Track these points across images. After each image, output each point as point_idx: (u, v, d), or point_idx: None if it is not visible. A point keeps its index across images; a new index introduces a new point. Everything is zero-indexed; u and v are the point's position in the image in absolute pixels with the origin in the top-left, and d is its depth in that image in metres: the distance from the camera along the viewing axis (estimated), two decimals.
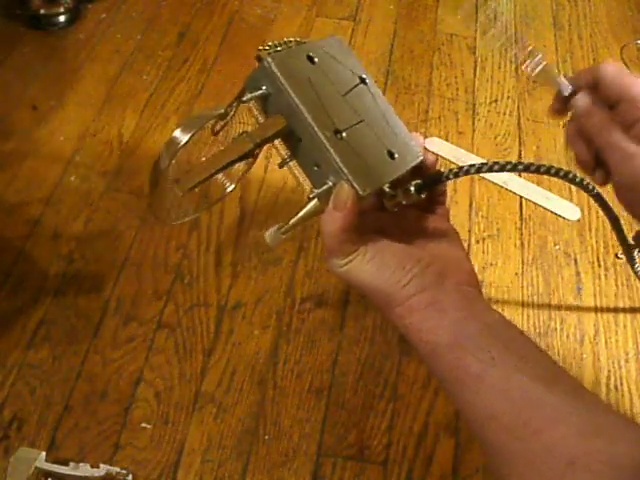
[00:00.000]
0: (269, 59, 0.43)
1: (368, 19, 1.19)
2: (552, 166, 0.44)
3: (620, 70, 0.52)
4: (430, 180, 0.47)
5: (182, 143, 0.48)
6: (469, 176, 0.92)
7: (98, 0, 1.18)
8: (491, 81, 1.08)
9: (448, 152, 0.96)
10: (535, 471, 0.39)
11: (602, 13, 1.24)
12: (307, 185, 0.48)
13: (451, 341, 0.43)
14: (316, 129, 0.43)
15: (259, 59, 0.44)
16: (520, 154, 0.96)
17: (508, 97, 1.06)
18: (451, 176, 0.45)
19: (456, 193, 0.91)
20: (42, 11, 1.11)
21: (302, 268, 0.82)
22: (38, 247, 0.82)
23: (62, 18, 1.13)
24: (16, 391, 0.68)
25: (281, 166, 0.48)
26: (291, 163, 0.48)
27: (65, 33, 1.12)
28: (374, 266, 0.45)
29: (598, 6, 1.26)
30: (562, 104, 0.56)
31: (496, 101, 1.05)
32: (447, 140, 0.98)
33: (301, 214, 0.48)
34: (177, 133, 0.52)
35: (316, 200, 0.46)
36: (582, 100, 0.55)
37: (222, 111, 0.50)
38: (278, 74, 0.43)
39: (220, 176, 0.57)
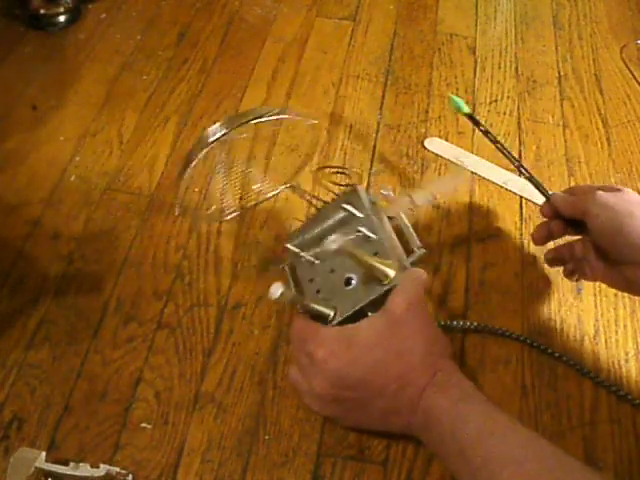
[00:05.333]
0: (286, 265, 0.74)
1: (368, 19, 1.19)
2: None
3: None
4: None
5: (213, 138, 0.47)
6: (469, 176, 0.92)
7: (98, 0, 1.18)
8: (491, 81, 1.08)
9: (448, 152, 0.96)
10: None
11: (602, 13, 1.24)
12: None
13: None
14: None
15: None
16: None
17: (508, 97, 1.06)
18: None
19: (456, 193, 0.91)
20: (42, 11, 1.11)
21: None
22: (38, 247, 0.82)
23: (62, 18, 1.13)
24: (16, 391, 0.68)
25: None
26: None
27: (65, 33, 1.13)
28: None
29: (598, 6, 1.26)
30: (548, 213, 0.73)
31: (496, 101, 1.05)
32: (447, 140, 0.98)
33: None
34: (214, 127, 0.51)
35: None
36: (559, 194, 0.72)
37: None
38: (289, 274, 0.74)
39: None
